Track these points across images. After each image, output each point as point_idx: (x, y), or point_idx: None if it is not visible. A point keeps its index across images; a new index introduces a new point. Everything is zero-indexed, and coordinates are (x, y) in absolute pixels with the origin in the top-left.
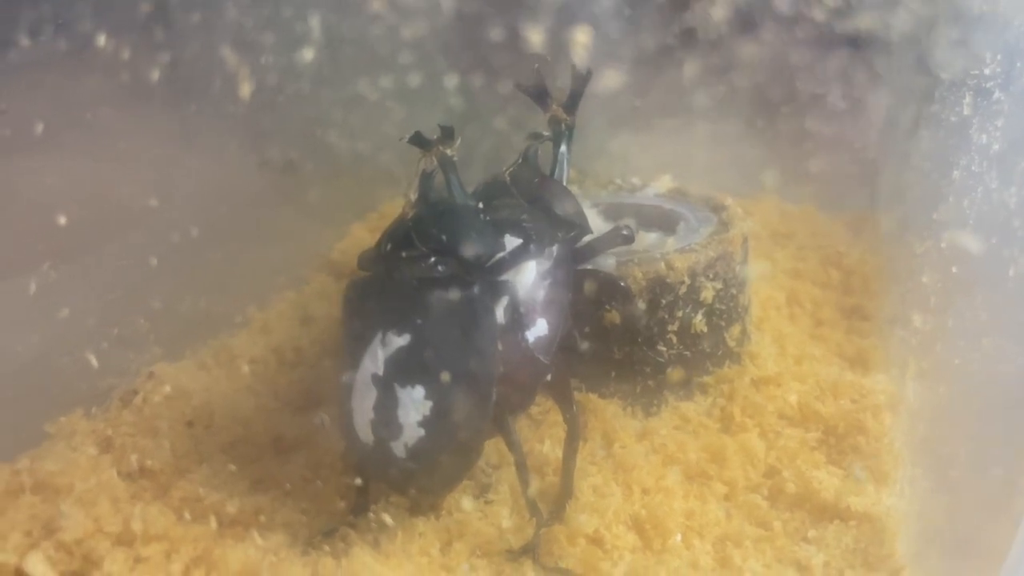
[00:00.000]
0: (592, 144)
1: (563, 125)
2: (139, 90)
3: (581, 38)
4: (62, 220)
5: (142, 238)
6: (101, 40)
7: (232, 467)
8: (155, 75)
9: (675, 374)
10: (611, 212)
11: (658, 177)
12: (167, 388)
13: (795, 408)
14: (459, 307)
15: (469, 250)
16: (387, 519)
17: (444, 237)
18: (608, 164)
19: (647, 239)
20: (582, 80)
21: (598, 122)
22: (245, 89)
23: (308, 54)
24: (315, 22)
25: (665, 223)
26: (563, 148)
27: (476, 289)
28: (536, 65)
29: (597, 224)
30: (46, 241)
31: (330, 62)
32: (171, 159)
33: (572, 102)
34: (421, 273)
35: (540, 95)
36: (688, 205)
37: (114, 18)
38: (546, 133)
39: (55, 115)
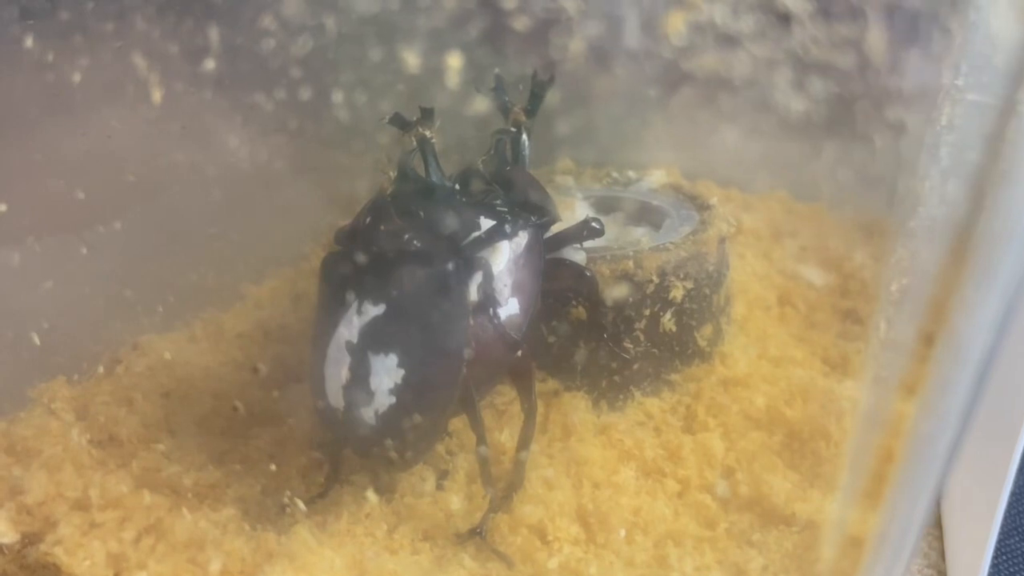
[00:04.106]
0: (613, 131)
1: (522, 127)
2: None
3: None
4: (73, 192)
5: (143, 211)
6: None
7: (197, 440)
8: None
9: (641, 371)
10: (602, 205)
11: (652, 171)
12: (150, 359)
13: (761, 410)
14: (434, 280)
15: (446, 226)
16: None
17: (422, 213)
18: (626, 152)
19: (634, 234)
20: (542, 86)
21: (620, 108)
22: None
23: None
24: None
25: (654, 219)
26: (524, 139)
27: (451, 264)
28: (497, 70)
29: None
30: (50, 211)
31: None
32: (174, 133)
33: (533, 106)
34: (399, 246)
35: (500, 99)
36: (674, 202)
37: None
38: (513, 128)
39: (60, 88)
